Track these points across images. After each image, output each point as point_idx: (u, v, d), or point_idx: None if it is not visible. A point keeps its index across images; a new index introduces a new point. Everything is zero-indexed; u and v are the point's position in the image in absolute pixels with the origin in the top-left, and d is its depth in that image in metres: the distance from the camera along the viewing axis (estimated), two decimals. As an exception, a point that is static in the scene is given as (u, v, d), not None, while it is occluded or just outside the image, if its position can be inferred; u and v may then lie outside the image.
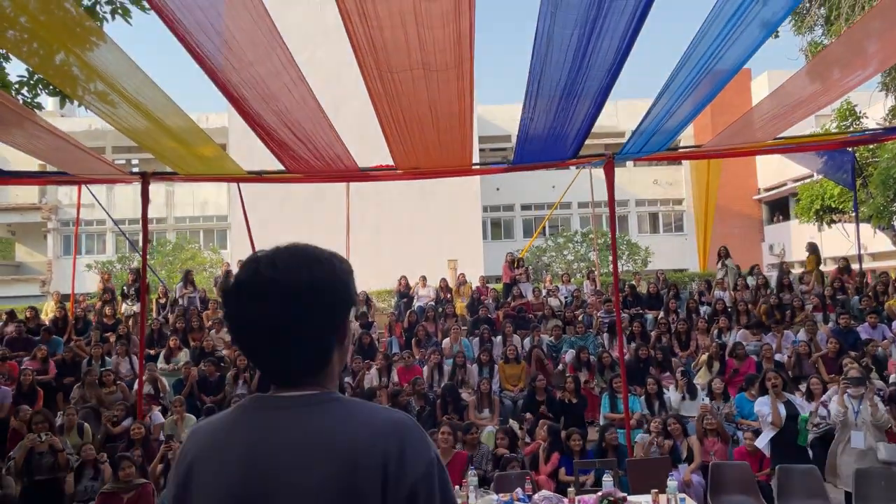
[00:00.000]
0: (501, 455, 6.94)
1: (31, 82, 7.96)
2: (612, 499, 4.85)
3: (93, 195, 13.13)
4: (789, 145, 10.61)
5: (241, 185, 11.42)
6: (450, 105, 6.22)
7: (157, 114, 6.33)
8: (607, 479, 5.25)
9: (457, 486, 5.44)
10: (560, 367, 10.47)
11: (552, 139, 7.73)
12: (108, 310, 12.97)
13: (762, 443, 6.92)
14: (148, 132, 6.90)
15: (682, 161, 27.48)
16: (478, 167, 9.23)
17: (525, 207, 32.85)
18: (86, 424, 8.06)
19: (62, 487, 6.14)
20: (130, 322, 12.94)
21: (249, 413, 1.20)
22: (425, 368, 10.11)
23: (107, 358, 10.63)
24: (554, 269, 25.12)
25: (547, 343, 11.31)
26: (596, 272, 15.87)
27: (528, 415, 8.62)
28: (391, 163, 8.40)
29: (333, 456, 1.11)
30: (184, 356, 10.81)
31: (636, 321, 11.51)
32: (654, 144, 8.17)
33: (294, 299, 1.15)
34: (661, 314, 12.15)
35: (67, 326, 12.40)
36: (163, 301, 14.30)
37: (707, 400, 8.24)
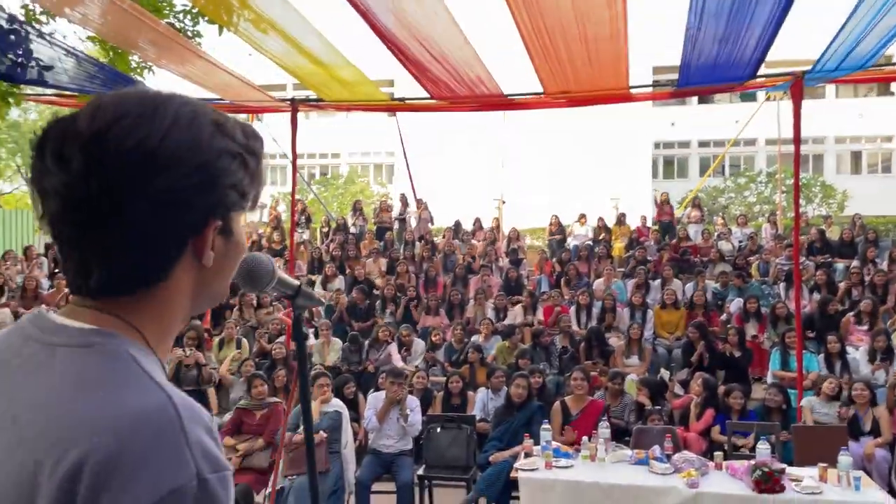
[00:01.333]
0: (643, 406, 6.35)
1: (193, 11, 8.26)
2: (766, 469, 4.14)
3: (265, 128, 13.83)
4: None
5: (401, 121, 11.35)
6: (598, 10, 5.47)
7: (293, 34, 6.24)
8: (764, 447, 4.53)
9: (586, 437, 5.00)
10: (724, 316, 9.47)
11: (725, 55, 6.67)
12: (275, 236, 13.74)
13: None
14: (288, 55, 6.86)
15: (897, 90, 23.68)
16: (637, 92, 8.27)
17: (703, 144, 30.30)
18: (244, 340, 8.56)
19: (206, 399, 6.56)
20: (300, 248, 13.64)
21: (7, 337, 0.81)
22: (572, 309, 9.58)
23: (269, 281, 11.22)
24: (732, 212, 23.03)
25: (712, 290, 10.28)
26: (778, 215, 14.19)
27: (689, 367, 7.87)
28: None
29: (21, 443, 0.70)
30: (339, 283, 11.14)
31: (821, 270, 10.09)
32: (856, 59, 6.80)
33: (108, 169, 0.73)
34: (855, 263, 10.55)
35: (241, 250, 13.31)
36: (325, 230, 14.91)
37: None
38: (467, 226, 14.58)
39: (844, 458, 4.29)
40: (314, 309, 10.01)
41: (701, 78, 7.37)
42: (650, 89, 9.02)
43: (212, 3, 6.87)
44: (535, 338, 8.38)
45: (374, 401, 5.87)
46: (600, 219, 14.32)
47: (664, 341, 9.08)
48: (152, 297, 0.80)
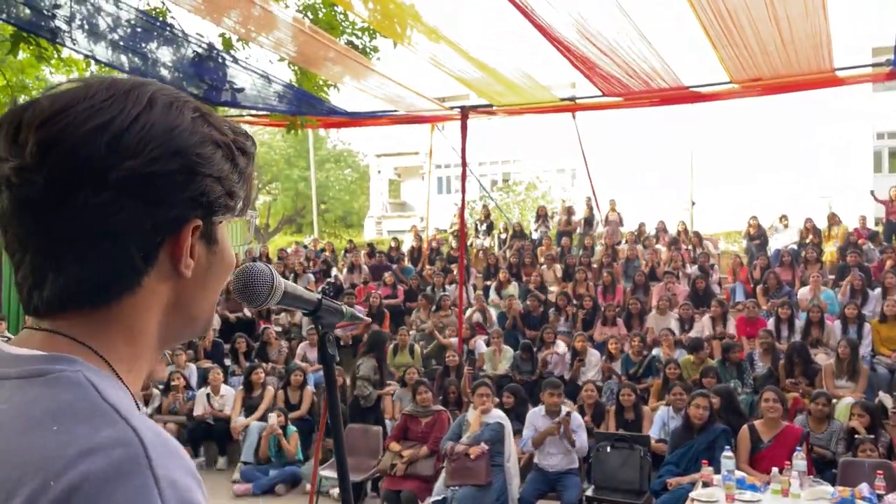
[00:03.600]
0: (854, 435, 5.46)
1: (371, 29, 8.64)
2: None
3: (444, 137, 14.21)
4: None
5: (578, 121, 11.02)
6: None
7: (466, 47, 6.30)
8: None
9: (777, 469, 4.37)
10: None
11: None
12: (453, 242, 14.00)
13: None
14: (459, 64, 6.90)
15: None
16: (846, 75, 7.21)
17: (944, 130, 26.10)
18: (416, 346, 8.74)
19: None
20: (480, 254, 13.78)
21: None
22: (771, 321, 8.60)
23: (447, 286, 11.40)
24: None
25: (949, 301, 8.70)
26: None
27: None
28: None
29: None
30: (513, 289, 11.04)
31: None
32: None
33: (65, 152, 0.62)
34: None
35: (422, 256, 13.72)
36: (504, 236, 14.92)
37: None
38: (652, 230, 13.81)
39: None
40: (488, 315, 9.99)
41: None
42: (867, 70, 7.83)
43: (387, 18, 7.14)
44: (726, 352, 7.62)
45: (533, 417, 5.62)
46: (808, 220, 12.80)
47: (885, 359, 7.82)
48: (120, 314, 0.67)
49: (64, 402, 0.61)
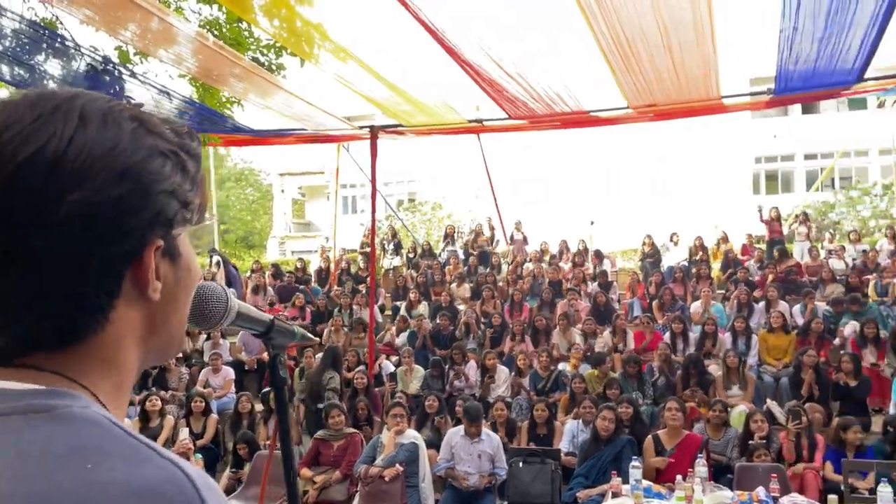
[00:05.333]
0: (748, 441, 5.80)
1: (277, 46, 8.50)
2: (891, 519, 3.62)
3: (351, 157, 14.13)
4: None
5: (490, 145, 11.21)
6: (680, 13, 5.15)
7: (375, 67, 6.29)
8: (886, 490, 3.98)
9: (680, 476, 4.57)
10: (837, 341, 8.66)
11: (826, 57, 6.14)
12: (362, 262, 13.88)
13: None
14: (367, 84, 6.90)
15: None
16: (731, 102, 7.76)
17: (808, 157, 28.46)
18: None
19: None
20: (389, 274, 13.71)
21: None
22: (667, 335, 9.04)
23: (354, 307, 11.27)
24: (844, 228, 21.42)
25: (823, 312, 9.46)
26: (896, 228, 13.00)
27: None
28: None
29: None
30: (423, 309, 11.05)
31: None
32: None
33: (2, 191, 0.56)
34: None
35: (330, 277, 13.51)
36: (412, 256, 14.94)
37: None
38: (555, 248, 14.26)
39: None
40: (390, 333, 9.95)
41: (800, 83, 6.85)
42: (746, 99, 8.46)
43: (293, 35, 7.04)
44: (627, 364, 7.93)
45: (451, 437, 5.63)
46: (697, 238, 13.59)
47: (771, 368, 8.38)
48: (95, 348, 0.61)
49: (88, 438, 0.55)
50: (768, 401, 7.40)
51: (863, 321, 8.37)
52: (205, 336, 9.93)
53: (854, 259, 11.84)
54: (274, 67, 8.16)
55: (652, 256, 13.51)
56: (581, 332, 9.39)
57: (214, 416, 7.39)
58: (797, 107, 28.56)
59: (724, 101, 7.75)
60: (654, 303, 10.44)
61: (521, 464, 5.46)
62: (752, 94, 7.41)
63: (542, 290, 11.27)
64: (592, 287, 11.70)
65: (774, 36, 5.87)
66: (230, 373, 8.97)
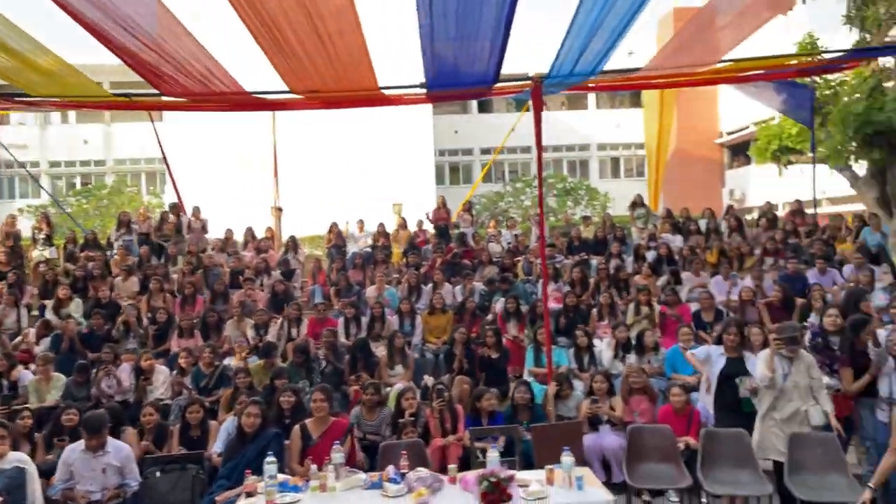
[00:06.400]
0: (398, 420, 6.08)
1: None
2: (493, 479, 4.00)
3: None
4: (745, 73, 9.68)
5: (164, 122, 10.16)
6: (326, 2, 5.11)
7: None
8: (493, 454, 4.40)
9: (315, 467, 4.55)
10: (490, 317, 9.62)
11: (463, 57, 6.64)
12: (2, 256, 11.75)
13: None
14: None
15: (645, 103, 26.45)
16: (391, 94, 8.06)
17: (485, 151, 31.67)
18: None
19: None
20: (40, 268, 11.75)
21: None
22: (340, 320, 9.17)
23: (-9, 308, 9.47)
24: (511, 215, 24.23)
25: (480, 292, 10.45)
26: (541, 215, 14.94)
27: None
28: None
29: None
30: (75, 307, 9.69)
31: (577, 268, 10.67)
32: (586, 64, 7.13)
33: None
34: (602, 260, 11.34)
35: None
36: (71, 248, 13.08)
37: (632, 356, 7.42)
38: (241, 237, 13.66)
39: (566, 459, 4.28)
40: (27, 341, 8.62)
41: (447, 80, 7.34)
42: (408, 91, 8.86)
43: None
44: (298, 353, 7.82)
45: (70, 455, 4.88)
46: (380, 224, 14.11)
47: (432, 346, 8.99)
48: None
49: None
50: (426, 377, 7.91)
51: (508, 297, 9.39)
52: None
53: (509, 243, 13.32)
54: None
55: (338, 243, 13.68)
56: (254, 323, 9.07)
57: None
58: (475, 105, 31.60)
59: (387, 93, 8.06)
60: (332, 289, 10.55)
61: (158, 473, 5.00)
62: (410, 86, 7.73)
63: (217, 281, 10.66)
64: (275, 275, 11.43)
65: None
66: None
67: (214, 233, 13.83)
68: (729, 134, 28.90)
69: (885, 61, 12.28)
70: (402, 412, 6.17)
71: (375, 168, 23.03)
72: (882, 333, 5.48)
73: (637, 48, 20.16)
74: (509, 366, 8.39)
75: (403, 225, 14.29)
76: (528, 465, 5.55)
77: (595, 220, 15.16)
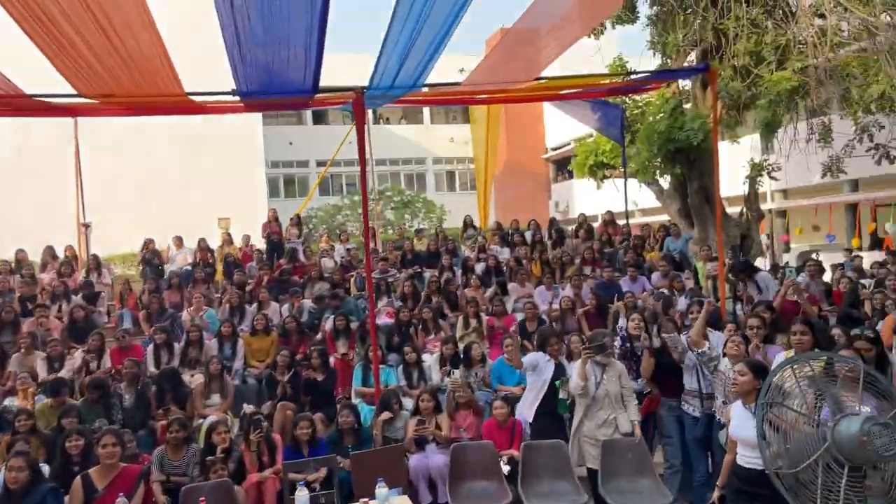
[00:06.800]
0: (207, 458, 5.53)
1: None
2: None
3: None
4: (562, 90, 10.13)
5: None
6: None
7: None
8: (301, 494, 4.06)
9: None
10: (319, 336, 9.23)
11: (278, 63, 6.27)
12: None
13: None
14: None
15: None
16: (201, 100, 7.47)
17: (321, 163, 31.04)
18: None
19: None
20: None
21: None
22: (150, 347, 8.33)
23: None
24: (346, 228, 23.86)
25: (309, 309, 10.01)
26: (377, 229, 14.82)
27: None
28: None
29: None
30: None
31: (408, 282, 10.57)
32: (406, 77, 7.03)
33: None
34: (436, 272, 11.37)
35: None
36: None
37: (458, 370, 7.39)
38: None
39: (381, 491, 4.07)
40: None
41: (261, 88, 6.92)
42: (224, 98, 8.26)
43: None
44: (95, 388, 6.95)
45: None
46: (201, 240, 13.18)
47: (254, 371, 8.42)
48: None
49: None
50: (245, 406, 7.35)
51: (336, 315, 9.05)
52: None
53: (342, 257, 12.98)
54: None
55: (152, 261, 12.59)
56: (47, 355, 7.99)
57: None
58: (309, 116, 30.94)
59: (195, 99, 7.44)
60: (143, 313, 9.63)
61: None
62: (218, 93, 7.20)
63: (5, 308, 9.33)
64: (76, 299, 10.23)
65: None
66: None
67: (4, 253, 12.21)
68: (553, 150, 30.63)
69: (685, 84, 13.50)
70: (212, 448, 5.63)
71: (200, 180, 21.69)
72: (682, 338, 5.81)
73: (469, 66, 20.71)
74: (340, 386, 8.09)
75: (229, 241, 13.48)
76: (350, 494, 5.25)
77: (429, 233, 15.25)
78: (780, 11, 11.15)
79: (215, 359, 7.68)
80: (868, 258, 13.39)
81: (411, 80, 7.04)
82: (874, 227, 17.95)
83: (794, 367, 2.96)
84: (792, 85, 10.73)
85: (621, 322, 7.03)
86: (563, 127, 26.44)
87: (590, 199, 22.13)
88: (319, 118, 30.97)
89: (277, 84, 6.79)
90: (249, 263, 12.43)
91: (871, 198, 17.41)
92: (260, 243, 13.89)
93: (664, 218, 14.86)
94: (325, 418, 6.93)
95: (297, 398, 7.43)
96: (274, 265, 11.76)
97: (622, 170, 13.12)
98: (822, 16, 10.80)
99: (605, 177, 14.60)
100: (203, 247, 12.94)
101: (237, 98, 7.47)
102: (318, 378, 7.49)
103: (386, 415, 6.32)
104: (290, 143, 29.90)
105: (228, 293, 9.94)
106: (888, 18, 10.44)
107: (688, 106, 12.77)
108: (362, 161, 7.37)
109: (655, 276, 10.10)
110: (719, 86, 10.70)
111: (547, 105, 25.07)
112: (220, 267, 12.70)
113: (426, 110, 30.96)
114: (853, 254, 13.26)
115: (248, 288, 10.53)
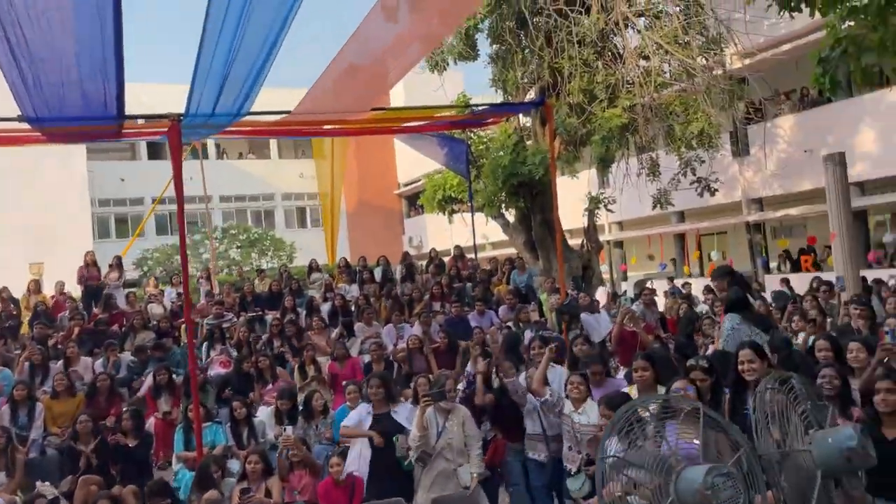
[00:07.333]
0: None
1: None
2: None
3: None
4: (406, 122, 9.94)
5: None
6: None
7: None
8: None
9: None
10: (142, 392, 8.18)
11: (70, 84, 5.47)
12: None
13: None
14: None
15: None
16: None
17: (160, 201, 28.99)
18: None
19: None
20: None
21: None
22: (-82, 421, 6.92)
23: None
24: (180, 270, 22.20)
25: (128, 363, 8.90)
26: (212, 269, 13.76)
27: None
28: None
29: None
30: None
31: (244, 327, 9.73)
32: (227, 106, 6.43)
33: None
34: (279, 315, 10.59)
35: None
36: None
37: (293, 426, 6.72)
38: None
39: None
40: None
41: (52, 112, 6.03)
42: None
43: None
44: None
45: None
46: (2, 289, 11.52)
47: (55, 440, 7.24)
48: None
49: None
50: (39, 484, 6.21)
51: (157, 369, 8.05)
52: None
53: (173, 302, 11.84)
54: None
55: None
56: None
57: None
58: (144, 152, 28.86)
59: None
60: (-85, 379, 8.06)
61: None
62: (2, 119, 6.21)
63: None
64: None
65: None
66: None
67: None
68: (405, 185, 30.69)
69: (526, 120, 13.84)
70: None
71: (9, 220, 19.31)
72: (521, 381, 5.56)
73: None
74: (161, 450, 7.14)
75: (36, 289, 11.88)
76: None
77: (273, 272, 14.41)
78: (610, 53, 11.72)
79: (1, 430, 6.49)
80: (696, 285, 14.25)
81: (234, 107, 6.45)
82: (699, 254, 19.36)
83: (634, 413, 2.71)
84: (622, 122, 11.24)
85: (469, 367, 6.70)
86: (414, 163, 26.50)
87: (442, 233, 22.17)
88: (155, 152, 28.95)
89: (74, 109, 5.95)
90: (62, 313, 10.99)
91: (696, 228, 18.78)
92: (76, 290, 12.39)
93: (513, 251, 15.07)
94: (138, 491, 6.00)
95: (106, 469, 6.40)
96: (89, 315, 10.46)
97: (469, 204, 13.13)
98: (647, 57, 11.47)
99: (453, 211, 14.59)
100: (5, 297, 11.32)
101: (26, 126, 6.52)
102: (129, 444, 6.52)
103: (213, 494, 5.50)
104: (122, 180, 27.67)
105: (28, 350, 8.60)
106: (704, 61, 11.26)
107: (529, 142, 13.06)
108: (179, 197, 6.64)
109: (503, 309, 10.01)
110: (557, 122, 10.99)
111: (398, 141, 25.10)
112: (25, 318, 11.14)
113: (273, 144, 29.93)
114: (683, 281, 14.08)
115: (51, 342, 9.20)
